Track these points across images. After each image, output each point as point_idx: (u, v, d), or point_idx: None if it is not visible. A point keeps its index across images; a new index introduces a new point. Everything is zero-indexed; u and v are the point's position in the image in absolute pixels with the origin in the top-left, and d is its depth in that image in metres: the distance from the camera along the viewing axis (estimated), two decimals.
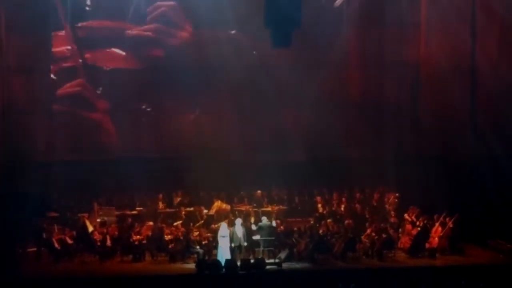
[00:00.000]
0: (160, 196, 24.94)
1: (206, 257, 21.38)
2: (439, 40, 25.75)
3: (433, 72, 26.09)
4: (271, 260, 21.24)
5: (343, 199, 24.94)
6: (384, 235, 22.02)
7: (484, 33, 24.89)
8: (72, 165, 25.61)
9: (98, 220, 23.46)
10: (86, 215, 23.54)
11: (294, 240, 22.03)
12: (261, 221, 21.97)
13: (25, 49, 25.49)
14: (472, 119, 25.22)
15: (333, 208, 24.48)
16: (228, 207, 24.10)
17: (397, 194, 24.75)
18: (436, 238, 22.13)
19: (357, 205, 24.51)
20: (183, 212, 23.97)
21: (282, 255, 21.52)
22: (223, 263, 20.64)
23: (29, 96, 25.80)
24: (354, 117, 26.87)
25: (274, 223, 22.18)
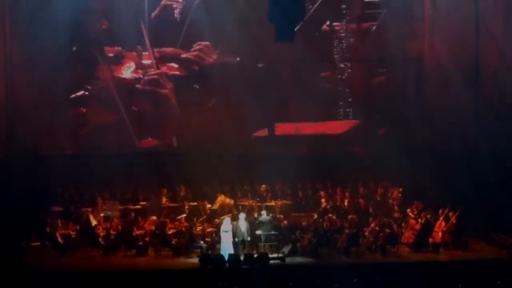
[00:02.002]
0: (164, 190, 24.94)
1: (210, 252, 21.39)
2: (444, 34, 25.72)
3: (438, 66, 26.05)
4: (275, 255, 21.27)
5: (347, 193, 24.93)
6: (387, 230, 22.01)
7: (489, 27, 24.84)
8: (76, 159, 25.71)
9: (102, 214, 23.49)
10: (89, 209, 23.56)
11: (297, 235, 22.02)
12: (261, 216, 22.03)
13: (30, 45, 25.68)
14: (476, 113, 25.20)
15: (337, 203, 24.47)
16: (232, 201, 24.11)
17: (400, 189, 24.72)
18: (440, 233, 22.10)
19: (360, 200, 24.50)
20: (187, 207, 23.97)
21: (286, 249, 21.52)
22: (226, 258, 20.66)
23: (34, 91, 25.89)
24: (358, 112, 26.95)
25: (273, 217, 22.24)
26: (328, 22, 25.99)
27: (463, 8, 25.05)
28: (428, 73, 26.74)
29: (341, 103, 26.33)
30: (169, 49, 26.56)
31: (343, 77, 26.05)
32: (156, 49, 26.57)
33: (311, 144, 26.44)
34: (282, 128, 27.17)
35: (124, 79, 26.72)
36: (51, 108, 26.11)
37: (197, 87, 26.72)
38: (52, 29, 25.11)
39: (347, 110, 26.13)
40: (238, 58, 26.64)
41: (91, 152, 26.02)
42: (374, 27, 26.38)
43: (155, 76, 26.79)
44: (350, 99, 26.13)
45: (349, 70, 25.86)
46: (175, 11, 26.28)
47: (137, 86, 26.81)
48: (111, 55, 26.56)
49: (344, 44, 25.98)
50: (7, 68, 26.05)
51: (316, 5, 24.89)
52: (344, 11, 25.85)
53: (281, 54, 25.12)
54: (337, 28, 25.98)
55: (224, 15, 25.83)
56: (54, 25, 25.09)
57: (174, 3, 26.38)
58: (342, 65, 25.91)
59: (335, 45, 26.20)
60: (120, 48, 26.42)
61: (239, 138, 26.49)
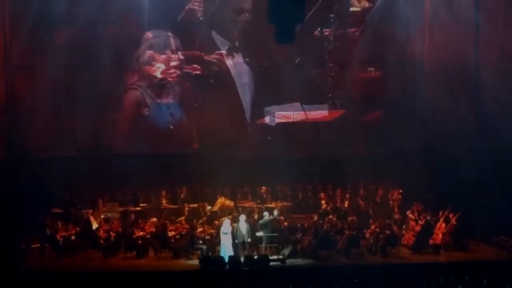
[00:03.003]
0: (164, 192, 24.93)
1: (210, 253, 21.37)
2: (443, 37, 25.74)
3: (438, 66, 26.09)
4: (275, 257, 21.25)
5: (347, 195, 24.93)
6: (387, 232, 22.00)
7: (488, 27, 24.86)
8: (76, 160, 25.69)
9: (102, 216, 23.48)
10: (90, 211, 23.55)
11: (297, 236, 22.01)
12: (262, 219, 22.04)
13: (29, 47, 25.66)
14: (476, 113, 25.20)
15: (337, 205, 24.46)
16: (232, 203, 24.10)
17: (400, 191, 24.71)
18: (440, 235, 22.09)
19: (361, 202, 24.49)
20: (187, 209, 23.96)
21: (286, 251, 21.50)
22: (226, 260, 20.65)
23: (33, 93, 25.87)
24: (357, 114, 27.00)
25: (275, 214, 22.32)
26: (318, 29, 27.78)
27: (463, 8, 25.07)
28: (428, 73, 26.75)
29: (330, 95, 27.73)
30: (190, 52, 27.78)
31: (332, 73, 27.66)
32: (180, 52, 27.68)
33: (304, 129, 27.11)
34: (281, 116, 27.94)
35: (156, 78, 27.79)
36: (60, 109, 26.10)
37: (212, 82, 27.72)
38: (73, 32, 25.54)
39: (335, 101, 27.91)
40: (246, 58, 27.93)
41: (91, 154, 26.00)
42: (357, 33, 27.60)
43: (176, 76, 27.88)
44: (337, 92, 27.89)
45: (337, 68, 27.75)
46: (198, 13, 27.73)
47: (163, 82, 27.88)
48: (146, 58, 27.65)
49: (333, 47, 27.75)
50: (7, 68, 26.02)
51: (308, 15, 25.91)
52: (331, 20, 27.89)
53: (281, 55, 26.50)
54: (326, 33, 27.81)
55: (234, 21, 27.38)
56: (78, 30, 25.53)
57: (196, 6, 27.76)
58: (331, 64, 27.73)
59: (325, 47, 27.71)
60: (152, 51, 27.40)
61: (242, 137, 26.64)
